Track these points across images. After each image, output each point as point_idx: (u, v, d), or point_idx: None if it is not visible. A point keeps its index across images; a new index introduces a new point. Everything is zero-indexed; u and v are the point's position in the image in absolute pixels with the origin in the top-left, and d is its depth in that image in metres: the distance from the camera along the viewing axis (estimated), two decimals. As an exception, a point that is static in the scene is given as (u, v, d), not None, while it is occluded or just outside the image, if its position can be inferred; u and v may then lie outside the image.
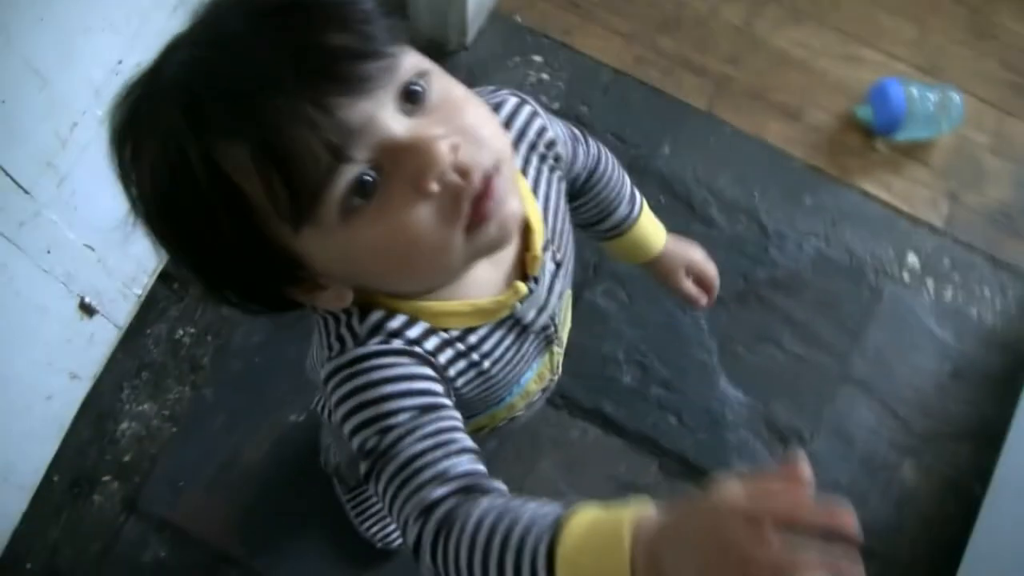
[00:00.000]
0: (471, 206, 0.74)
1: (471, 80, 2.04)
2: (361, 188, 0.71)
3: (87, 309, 1.63)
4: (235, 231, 0.72)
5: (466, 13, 1.97)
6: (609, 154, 1.20)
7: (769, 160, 2.09)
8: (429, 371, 0.84)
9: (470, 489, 0.76)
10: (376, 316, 0.84)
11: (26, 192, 1.34)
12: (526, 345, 1.00)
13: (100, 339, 1.75)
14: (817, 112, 2.14)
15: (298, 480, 1.77)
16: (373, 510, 1.72)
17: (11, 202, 1.33)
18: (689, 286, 1.34)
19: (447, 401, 0.83)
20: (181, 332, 1.87)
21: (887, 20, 2.23)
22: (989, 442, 1.90)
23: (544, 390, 1.18)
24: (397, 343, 0.84)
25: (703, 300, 1.36)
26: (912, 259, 2.04)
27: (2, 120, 1.27)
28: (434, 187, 0.72)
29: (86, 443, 1.80)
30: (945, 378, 1.97)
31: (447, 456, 0.78)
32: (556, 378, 1.18)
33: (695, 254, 1.35)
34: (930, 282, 2.03)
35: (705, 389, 1.91)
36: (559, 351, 1.13)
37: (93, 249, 1.57)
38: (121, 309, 1.78)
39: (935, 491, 1.91)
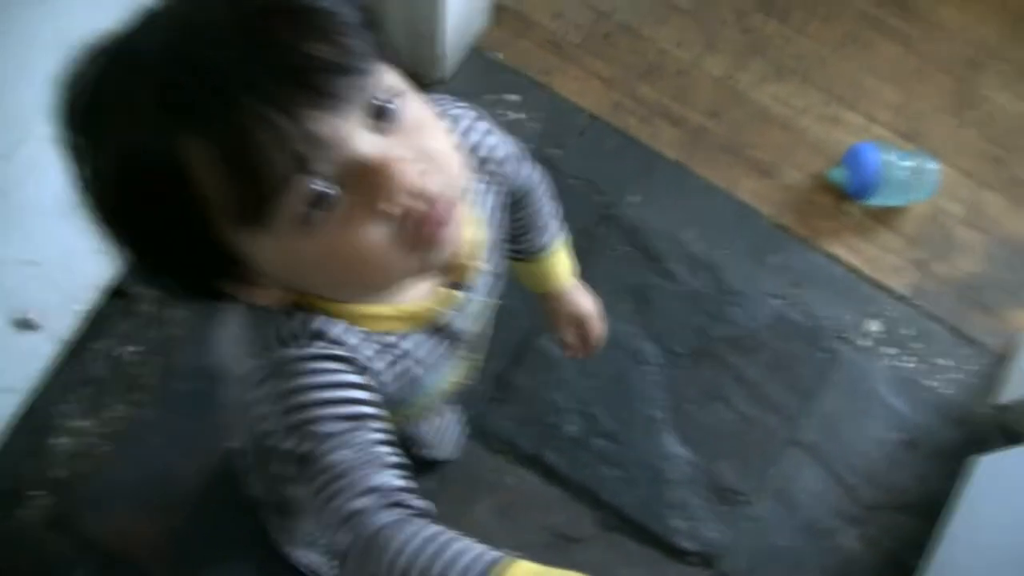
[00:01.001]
0: (423, 230, 0.75)
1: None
2: (318, 201, 0.71)
3: (26, 324, 1.62)
4: (182, 221, 0.71)
5: (443, 47, 1.97)
6: (546, 183, 1.22)
7: (737, 216, 2.08)
8: (366, 380, 0.85)
9: (399, 505, 0.76)
10: (317, 320, 0.85)
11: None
12: (453, 351, 1.03)
13: (40, 353, 1.75)
14: (791, 171, 2.13)
15: (230, 508, 1.75)
16: (298, 536, 1.72)
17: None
18: (569, 334, 1.39)
19: (381, 412, 0.84)
20: (127, 350, 1.86)
21: (872, 83, 2.22)
22: (934, 517, 1.88)
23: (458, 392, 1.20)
24: (338, 349, 0.84)
25: (578, 354, 1.41)
26: (873, 326, 2.03)
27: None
28: (393, 210, 0.72)
29: (20, 455, 1.79)
30: (895, 448, 1.96)
31: (379, 469, 0.78)
32: (472, 382, 1.21)
33: (589, 308, 1.38)
34: (890, 350, 2.02)
35: (649, 444, 1.90)
36: (479, 356, 1.16)
37: (38, 264, 1.57)
38: (64, 324, 1.78)
39: (876, 562, 1.89)
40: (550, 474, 1.87)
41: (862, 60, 2.24)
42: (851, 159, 2.08)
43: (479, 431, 1.88)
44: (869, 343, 2.01)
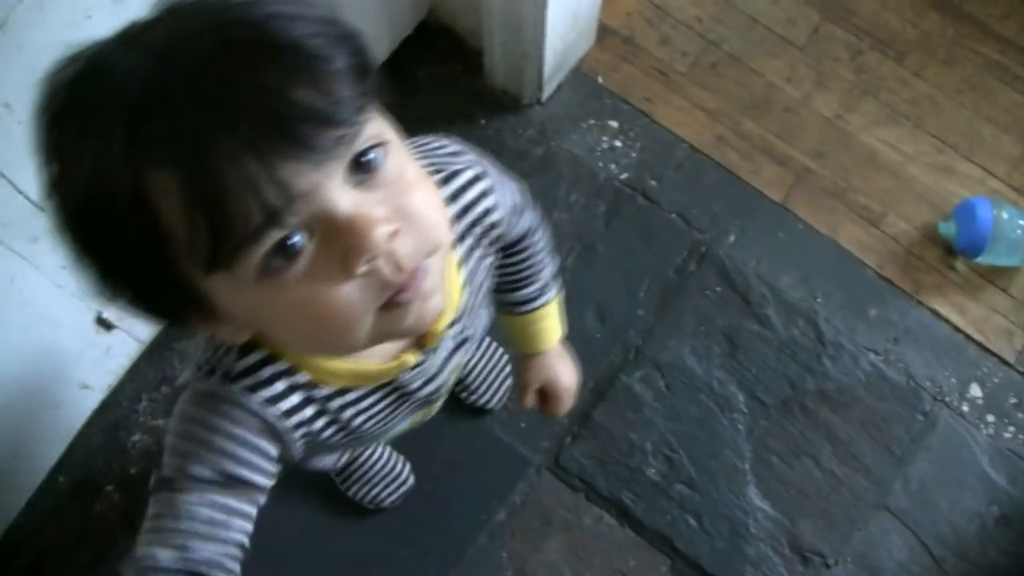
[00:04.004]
0: (393, 296, 0.72)
1: (541, 136, 1.99)
2: (286, 252, 0.66)
3: (104, 324, 1.60)
4: (144, 255, 0.67)
5: (543, 68, 1.91)
6: (544, 232, 1.16)
7: (838, 264, 1.99)
8: (267, 445, 0.84)
9: None
10: (254, 358, 0.84)
11: (40, 208, 1.30)
12: (404, 406, 1.01)
13: (118, 351, 1.73)
14: (898, 220, 2.03)
15: (296, 514, 1.74)
16: (355, 476, 1.73)
17: (23, 218, 1.29)
18: (531, 399, 1.33)
19: (263, 482, 0.84)
20: (209, 352, 1.84)
21: (990, 134, 2.12)
22: (1026, 599, 1.78)
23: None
24: (255, 400, 0.83)
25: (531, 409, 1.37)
26: (975, 390, 1.92)
27: (13, 135, 1.20)
28: (362, 270, 0.68)
29: (96, 449, 1.79)
30: (990, 522, 1.85)
31: (210, 537, 0.80)
32: (434, 414, 1.20)
33: (565, 379, 1.32)
34: (991, 418, 1.91)
35: (731, 495, 1.82)
36: (434, 407, 1.14)
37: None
38: (144, 325, 1.75)
39: (960, 640, 1.80)
40: (626, 517, 1.80)
41: (981, 108, 2.14)
42: (962, 213, 1.98)
43: (557, 466, 1.81)
44: (970, 408, 1.91)
